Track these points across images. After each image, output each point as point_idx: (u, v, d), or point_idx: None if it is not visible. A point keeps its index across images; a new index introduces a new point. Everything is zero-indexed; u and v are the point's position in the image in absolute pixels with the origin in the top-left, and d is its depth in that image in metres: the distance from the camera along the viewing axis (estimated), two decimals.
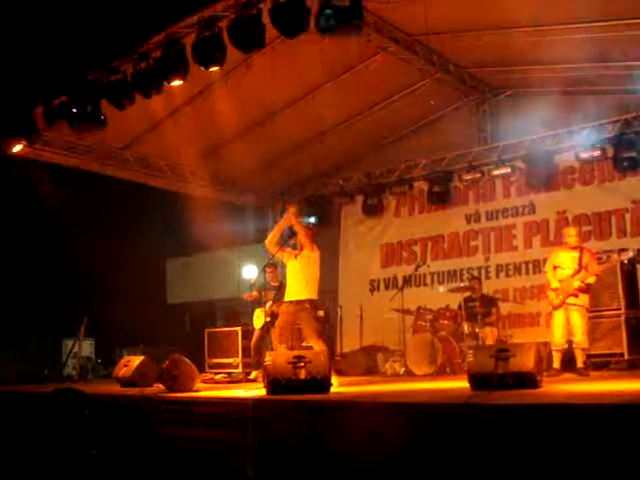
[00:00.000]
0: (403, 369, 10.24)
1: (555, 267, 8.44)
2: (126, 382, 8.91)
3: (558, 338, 8.21)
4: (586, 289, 8.29)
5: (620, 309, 9.12)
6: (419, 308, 10.90)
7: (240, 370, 11.22)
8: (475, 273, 11.69)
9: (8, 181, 11.45)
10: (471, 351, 6.57)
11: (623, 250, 9.18)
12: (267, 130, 11.76)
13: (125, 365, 9.21)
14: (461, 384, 6.63)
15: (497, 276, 11.93)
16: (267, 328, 10.82)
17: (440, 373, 9.71)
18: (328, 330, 12.05)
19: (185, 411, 6.53)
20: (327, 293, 11.51)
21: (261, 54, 8.89)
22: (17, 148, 10.23)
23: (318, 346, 7.63)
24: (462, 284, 11.22)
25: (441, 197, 12.39)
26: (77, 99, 9.22)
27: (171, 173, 12.85)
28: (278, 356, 7.01)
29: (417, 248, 13.02)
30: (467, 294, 10.62)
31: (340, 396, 6.69)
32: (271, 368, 6.77)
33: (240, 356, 11.30)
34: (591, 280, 8.30)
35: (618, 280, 9.18)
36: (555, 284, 8.32)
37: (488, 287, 11.25)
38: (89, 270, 14.02)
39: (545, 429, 4.22)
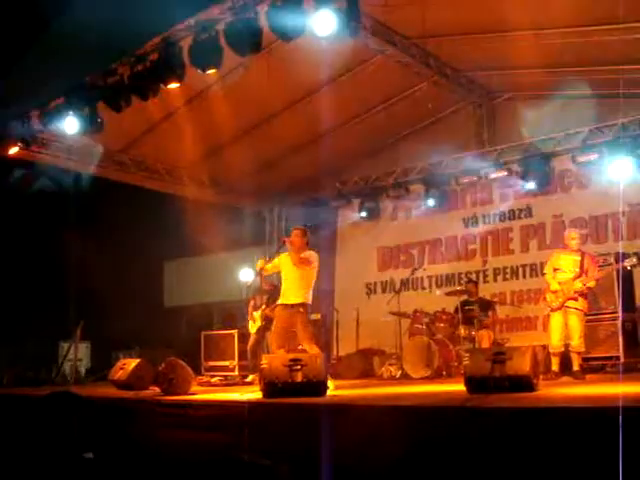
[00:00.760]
0: (399, 372, 10.24)
1: (555, 269, 8.43)
2: (122, 385, 8.88)
3: (556, 341, 8.20)
4: (585, 293, 8.28)
5: (616, 313, 9.11)
6: (415, 311, 10.90)
7: (236, 373, 11.21)
8: (473, 277, 11.71)
9: (5, 183, 11.43)
10: (467, 354, 6.58)
11: (625, 256, 9.19)
12: (264, 133, 11.77)
13: (121, 368, 9.19)
14: (457, 387, 6.63)
15: (494, 280, 11.95)
16: (263, 331, 10.84)
17: (436, 376, 9.70)
18: (324, 333, 12.05)
19: (181, 414, 6.52)
20: (324, 296, 11.51)
21: (258, 57, 8.90)
22: (13, 150, 10.21)
23: (312, 350, 7.61)
24: (459, 287, 11.22)
25: (438, 200, 12.39)
26: (74, 101, 9.22)
27: (168, 176, 12.85)
28: (274, 359, 7.00)
29: (415, 251, 13.03)
30: (463, 297, 10.62)
31: (336, 399, 6.69)
32: (267, 371, 6.76)
33: (236, 359, 11.29)
34: (591, 284, 8.30)
35: (614, 284, 9.17)
36: (555, 286, 8.31)
37: (485, 291, 11.26)
38: (86, 273, 14.01)
39: (541, 432, 4.22)
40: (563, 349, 8.25)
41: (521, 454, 4.20)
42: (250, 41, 7.72)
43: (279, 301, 8.07)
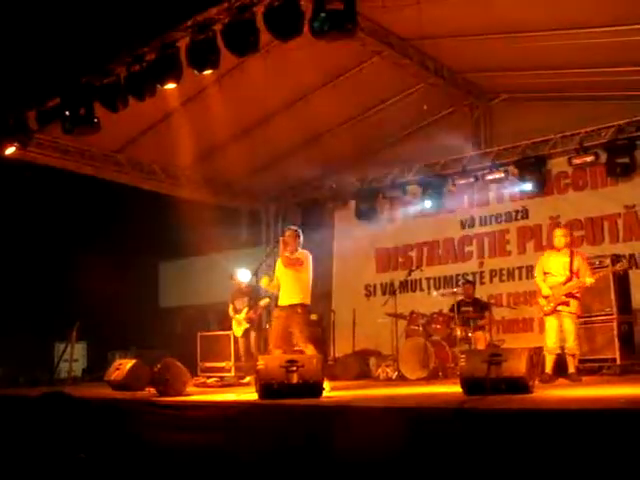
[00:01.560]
0: (396, 373, 10.23)
1: (545, 273, 8.36)
2: (118, 386, 8.88)
3: (552, 343, 8.15)
4: (577, 296, 8.19)
5: (612, 314, 9.12)
6: (412, 313, 10.88)
7: (232, 374, 11.19)
8: (469, 278, 11.69)
9: (2, 184, 11.41)
10: (464, 355, 6.58)
11: (617, 258, 9.20)
12: (261, 134, 11.77)
13: (117, 369, 9.18)
14: (453, 388, 6.63)
15: (491, 281, 11.95)
16: (248, 334, 10.86)
17: (433, 377, 9.69)
18: (321, 334, 12.04)
19: (177, 415, 6.51)
20: (320, 297, 11.51)
21: (255, 58, 8.89)
22: (10, 151, 10.19)
23: (309, 351, 7.61)
24: (455, 289, 11.22)
25: (435, 202, 12.39)
26: (70, 102, 9.20)
27: (165, 176, 12.84)
28: (271, 360, 7.00)
29: (413, 253, 13.03)
30: (459, 298, 10.61)
31: (332, 400, 6.69)
32: (263, 372, 6.75)
33: (232, 360, 11.27)
34: (590, 281, 8.11)
35: (610, 286, 9.16)
36: (546, 291, 8.21)
37: (482, 292, 11.26)
38: (81, 273, 13.97)
39: (537, 434, 4.21)
40: (559, 351, 8.22)
41: (517, 456, 4.19)
42: (247, 41, 7.72)
43: (278, 303, 8.05)
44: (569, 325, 8.08)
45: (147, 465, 5.50)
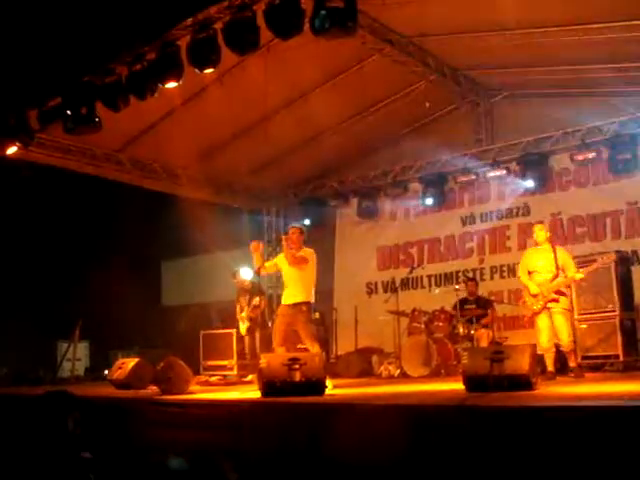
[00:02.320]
0: (398, 371, 10.23)
1: (530, 272, 8.30)
2: (121, 384, 8.88)
3: (544, 342, 8.07)
4: (564, 292, 8.11)
5: (615, 311, 9.11)
6: (414, 310, 10.89)
7: (235, 372, 11.19)
8: (470, 275, 11.69)
9: (4, 183, 11.42)
10: (466, 353, 6.58)
11: (621, 255, 9.18)
12: (262, 132, 11.75)
13: (120, 367, 9.18)
14: (456, 386, 6.62)
15: (491, 278, 11.95)
16: (252, 331, 10.85)
17: (435, 375, 9.70)
18: (323, 332, 12.04)
19: (180, 413, 6.51)
20: (322, 295, 11.49)
21: (256, 56, 8.89)
22: (11, 150, 10.19)
23: (314, 348, 7.61)
24: (457, 286, 11.20)
25: (436, 199, 12.39)
26: (71, 101, 9.20)
27: (166, 175, 12.84)
28: (273, 358, 7.00)
29: (414, 251, 13.03)
30: (462, 296, 10.61)
31: (335, 398, 6.69)
32: (266, 370, 6.75)
33: (235, 358, 11.28)
34: (579, 276, 8.06)
35: (613, 282, 9.16)
36: (534, 289, 8.11)
37: (483, 289, 11.26)
38: (84, 272, 13.99)
39: (540, 431, 4.21)
40: (554, 349, 8.16)
41: (520, 453, 4.19)
42: (248, 40, 7.71)
43: (282, 302, 8.03)
44: (561, 322, 8.01)
45: (150, 463, 5.51)
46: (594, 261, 8.44)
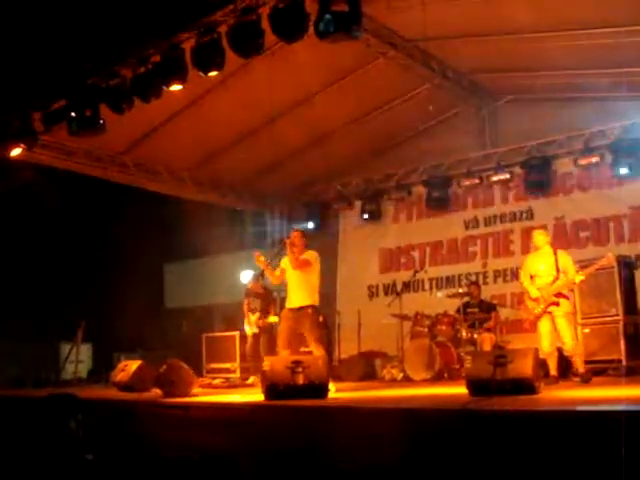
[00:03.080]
0: (401, 375, 10.22)
1: (532, 276, 8.26)
2: (124, 387, 8.88)
3: (546, 347, 8.02)
4: (566, 295, 8.06)
5: (618, 315, 9.09)
6: (417, 314, 10.87)
7: (238, 375, 11.20)
8: (473, 279, 11.68)
9: (7, 185, 11.44)
10: (469, 357, 6.57)
11: (624, 259, 9.16)
12: (266, 135, 11.76)
13: (122, 370, 9.19)
14: (459, 390, 6.62)
15: (495, 282, 11.93)
16: (258, 337, 10.84)
17: (438, 379, 9.68)
18: (326, 335, 12.03)
19: (182, 416, 6.52)
20: (325, 298, 11.48)
21: (260, 59, 8.90)
22: (16, 152, 10.21)
23: (319, 352, 7.58)
24: (461, 290, 11.19)
25: (440, 203, 12.39)
26: (76, 103, 9.22)
27: (169, 177, 12.85)
28: (276, 361, 7.00)
29: (416, 254, 13.02)
30: (466, 299, 10.60)
31: (338, 402, 6.69)
32: (269, 373, 6.75)
33: (238, 361, 11.29)
34: (578, 279, 8.01)
35: (616, 286, 9.14)
36: (535, 293, 8.08)
37: (486, 293, 11.23)
38: (87, 274, 14.01)
39: (543, 435, 4.21)
40: (556, 353, 8.14)
41: (523, 457, 4.19)
42: (252, 43, 7.73)
43: (286, 305, 8.01)
44: (563, 325, 7.95)
45: (152, 465, 5.51)
46: (593, 264, 8.44)
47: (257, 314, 10.85)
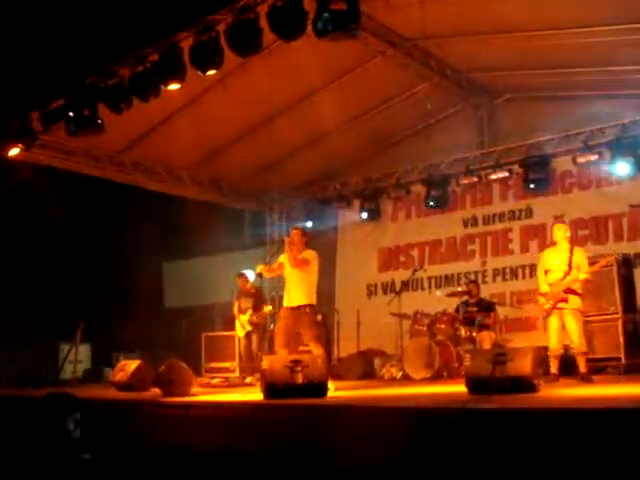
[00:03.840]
0: (400, 373, 10.21)
1: (547, 271, 8.27)
2: (123, 386, 8.88)
3: (554, 344, 8.04)
4: (577, 291, 8.03)
5: (617, 313, 9.10)
6: (416, 312, 10.86)
7: (237, 374, 11.20)
8: (472, 277, 11.68)
9: (6, 185, 11.42)
10: (468, 355, 6.56)
11: (623, 257, 9.16)
12: (264, 134, 11.75)
13: (122, 369, 9.19)
14: (458, 388, 6.62)
15: (494, 280, 11.94)
16: (250, 335, 10.85)
17: (437, 377, 9.67)
18: (325, 334, 12.02)
19: (182, 415, 6.51)
20: (324, 297, 11.48)
21: (258, 58, 8.90)
22: (14, 152, 10.20)
23: (318, 351, 7.59)
24: (460, 288, 11.19)
25: (438, 201, 12.38)
26: (74, 103, 9.21)
27: (168, 177, 12.84)
28: (275, 360, 6.99)
29: (414, 252, 13.02)
30: (464, 298, 10.60)
31: (337, 400, 6.68)
32: (268, 372, 6.74)
33: (237, 360, 11.28)
34: (583, 277, 7.97)
35: (615, 284, 9.15)
36: (544, 288, 8.09)
37: (485, 291, 11.23)
38: (86, 274, 13.99)
39: (542, 433, 4.21)
40: (562, 351, 8.13)
41: (522, 455, 4.19)
42: (251, 42, 7.72)
43: (284, 304, 8.01)
44: (572, 323, 7.92)
45: (151, 465, 5.50)
46: (596, 262, 8.42)
47: (249, 312, 10.86)
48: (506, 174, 11.64)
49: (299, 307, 7.77)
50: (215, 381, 11.10)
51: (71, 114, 9.25)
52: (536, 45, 9.44)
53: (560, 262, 8.11)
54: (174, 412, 6.68)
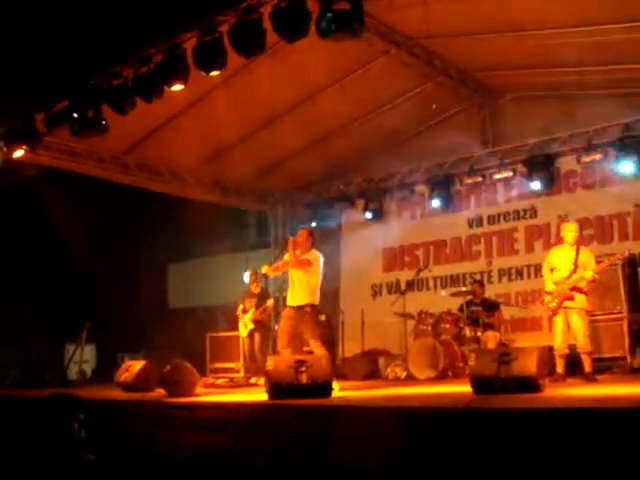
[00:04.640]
0: (405, 373, 10.21)
1: (552, 269, 8.26)
2: (128, 387, 8.89)
3: (560, 343, 8.03)
4: (583, 289, 8.01)
5: (622, 313, 9.08)
6: (421, 312, 10.86)
7: (242, 374, 11.22)
8: (477, 277, 11.66)
9: (11, 187, 11.45)
10: (473, 355, 6.55)
11: (629, 256, 9.14)
12: (268, 134, 11.77)
13: (127, 370, 9.19)
14: (463, 388, 6.61)
15: (499, 280, 11.91)
16: (252, 334, 10.87)
17: (442, 377, 9.67)
18: (329, 334, 12.03)
19: (187, 416, 6.51)
20: (328, 297, 11.49)
21: (262, 58, 8.90)
22: (18, 153, 10.22)
23: (320, 351, 7.61)
24: (464, 288, 11.18)
25: (443, 201, 12.37)
26: (78, 104, 9.22)
27: (172, 178, 12.84)
28: (280, 360, 6.99)
29: (419, 252, 13.01)
30: (468, 298, 10.59)
31: (342, 400, 6.68)
32: (272, 372, 6.75)
33: (242, 360, 11.29)
34: (588, 275, 7.93)
35: (620, 284, 9.14)
36: (550, 287, 8.09)
37: (490, 291, 11.22)
38: (91, 275, 14.01)
39: (547, 433, 4.20)
40: (567, 351, 8.12)
41: (527, 455, 4.18)
42: (254, 42, 7.71)
43: (287, 303, 8.04)
44: (577, 322, 7.91)
45: (156, 466, 5.51)
46: (602, 262, 8.40)
47: (252, 310, 10.88)
48: (510, 174, 11.63)
49: (300, 307, 7.83)
50: (220, 381, 11.11)
51: (75, 115, 9.26)
52: (540, 44, 9.43)
53: (566, 260, 8.09)
54: (179, 412, 6.68)
